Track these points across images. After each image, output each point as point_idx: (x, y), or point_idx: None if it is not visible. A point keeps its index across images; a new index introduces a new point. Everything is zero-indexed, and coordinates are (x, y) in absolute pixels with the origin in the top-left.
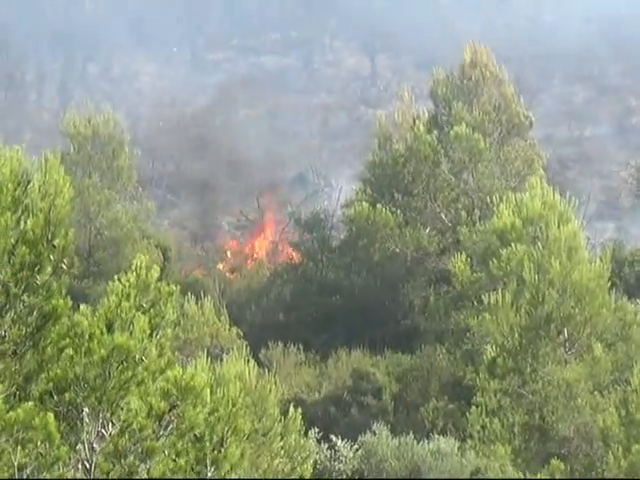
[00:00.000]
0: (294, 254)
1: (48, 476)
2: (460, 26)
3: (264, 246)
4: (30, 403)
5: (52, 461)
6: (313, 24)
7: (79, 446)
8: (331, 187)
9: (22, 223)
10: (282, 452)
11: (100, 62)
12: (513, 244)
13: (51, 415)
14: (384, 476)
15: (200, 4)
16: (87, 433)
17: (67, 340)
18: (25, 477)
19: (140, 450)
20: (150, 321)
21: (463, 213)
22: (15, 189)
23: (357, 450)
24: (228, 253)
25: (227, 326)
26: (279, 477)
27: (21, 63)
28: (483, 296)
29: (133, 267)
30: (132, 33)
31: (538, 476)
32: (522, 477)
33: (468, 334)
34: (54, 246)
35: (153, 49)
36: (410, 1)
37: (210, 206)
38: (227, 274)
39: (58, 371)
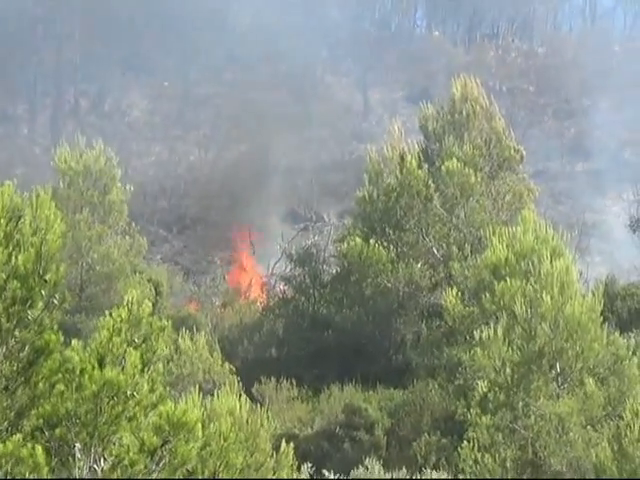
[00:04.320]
0: (286, 289)
1: None
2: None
3: (256, 281)
4: (19, 435)
5: None
6: (304, 58)
7: None
8: (323, 222)
9: (13, 258)
10: None
11: (91, 96)
12: (506, 279)
13: (39, 447)
14: None
15: (191, 39)
16: (79, 469)
17: (59, 375)
18: None
19: None
20: (142, 356)
21: (454, 248)
22: (6, 224)
23: None
24: (220, 288)
25: (220, 361)
26: None
27: (12, 97)
28: (475, 331)
29: (125, 302)
30: (123, 67)
31: None
32: None
33: (460, 369)
34: (45, 281)
35: (144, 83)
36: (401, 33)
37: (202, 241)
38: (219, 309)
39: (49, 407)
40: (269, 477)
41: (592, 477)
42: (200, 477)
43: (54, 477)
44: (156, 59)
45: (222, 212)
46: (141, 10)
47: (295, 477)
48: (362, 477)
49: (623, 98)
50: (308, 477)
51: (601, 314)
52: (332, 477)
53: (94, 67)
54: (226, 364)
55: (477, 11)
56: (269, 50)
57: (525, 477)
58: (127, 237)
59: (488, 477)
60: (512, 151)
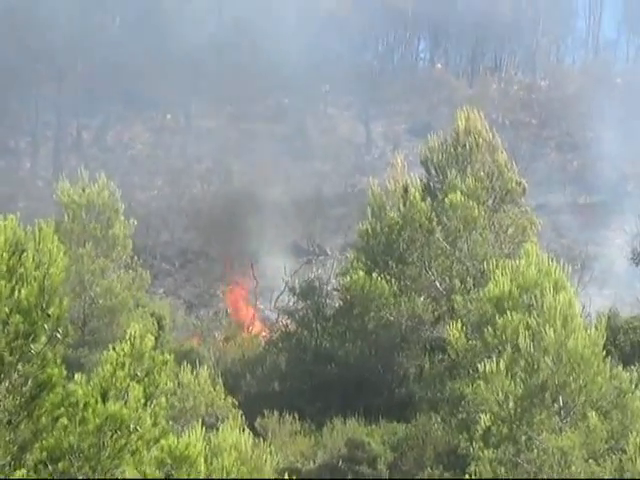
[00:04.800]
0: (289, 322)
1: None
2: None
3: (255, 315)
4: (23, 470)
5: None
6: (306, 90)
7: None
8: (325, 255)
9: (16, 292)
10: None
11: (93, 130)
12: (508, 312)
13: None
14: None
15: (193, 72)
16: None
17: (61, 409)
18: None
19: None
20: (144, 390)
21: (457, 281)
22: (9, 258)
23: None
24: (222, 322)
25: (222, 395)
26: None
27: (15, 130)
28: (478, 364)
29: (127, 336)
30: (125, 100)
31: None
32: None
33: (463, 402)
34: (48, 315)
35: (146, 116)
36: (404, 66)
37: (204, 274)
38: (222, 343)
39: (52, 440)
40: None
41: None
42: None
43: None
44: (158, 92)
45: (224, 245)
46: (143, 43)
47: None
48: None
49: (626, 131)
50: None
51: (604, 347)
52: None
53: (96, 100)
54: (229, 398)
55: (479, 44)
56: (271, 82)
57: None
58: (130, 271)
59: None
60: (515, 184)
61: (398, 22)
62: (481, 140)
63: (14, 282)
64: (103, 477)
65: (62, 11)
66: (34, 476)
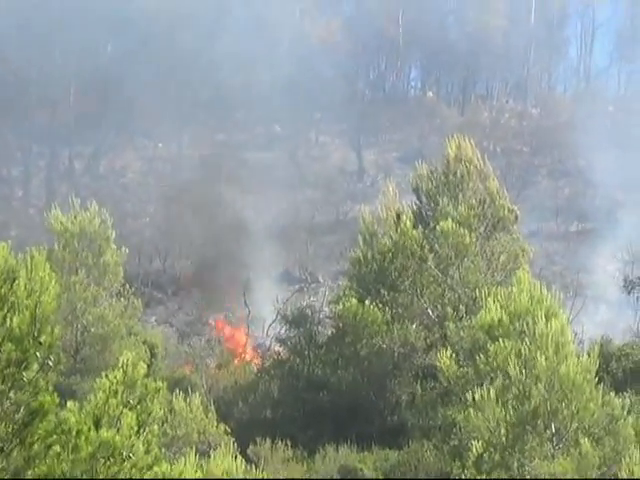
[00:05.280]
0: (281, 350)
1: None
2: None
3: (250, 342)
4: None
5: None
6: (298, 118)
7: None
8: (317, 283)
9: (8, 320)
10: None
11: (86, 158)
12: (500, 339)
13: None
14: None
15: (185, 100)
16: None
17: (54, 437)
18: None
19: None
20: (137, 417)
21: (449, 308)
22: (1, 286)
23: None
24: (215, 350)
25: (215, 422)
26: None
27: (7, 159)
28: (470, 391)
29: (120, 364)
30: (118, 129)
31: None
32: None
33: (455, 429)
34: (40, 343)
35: (139, 145)
36: (395, 94)
37: (196, 303)
38: (214, 370)
39: (45, 468)
40: None
41: None
42: None
43: None
44: (150, 121)
45: (217, 273)
46: (135, 73)
47: None
48: None
49: (617, 158)
50: None
51: (596, 374)
52: None
53: (88, 129)
54: (221, 425)
55: (471, 72)
56: (263, 110)
57: None
58: (122, 299)
59: None
60: (506, 211)
61: (390, 50)
62: (472, 168)
63: (5, 310)
64: None
65: (55, 41)
66: None
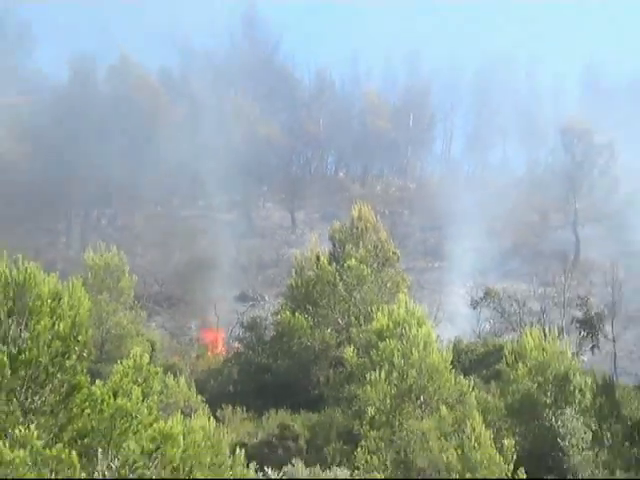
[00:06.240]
0: (239, 346)
1: None
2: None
3: (219, 341)
4: (60, 444)
5: None
6: (251, 190)
7: (95, 474)
8: (264, 301)
9: (56, 325)
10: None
11: (108, 216)
12: (387, 339)
13: (74, 452)
14: None
15: (176, 174)
16: (100, 465)
17: (86, 403)
18: None
19: (136, 476)
20: (142, 391)
21: (353, 318)
22: (51, 302)
23: (282, 477)
24: (195, 345)
25: (195, 394)
26: None
27: (54, 218)
28: (366, 374)
29: (131, 355)
30: (129, 197)
31: None
32: None
33: (356, 400)
34: (78, 341)
35: (143, 208)
36: (318, 173)
37: (182, 314)
38: (195, 360)
39: (80, 424)
40: (239, 478)
41: (444, 472)
42: (182, 473)
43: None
44: (151, 191)
45: (196, 294)
46: (137, 158)
47: (245, 471)
48: (295, 476)
49: (466, 219)
50: (254, 472)
51: (451, 363)
52: (270, 472)
53: (109, 197)
54: (199, 396)
55: (369, 159)
56: (228, 185)
57: (399, 472)
58: (132, 311)
59: (376, 473)
60: (392, 253)
61: (314, 144)
62: (369, 224)
63: (55, 319)
64: (114, 449)
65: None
66: (68, 448)
